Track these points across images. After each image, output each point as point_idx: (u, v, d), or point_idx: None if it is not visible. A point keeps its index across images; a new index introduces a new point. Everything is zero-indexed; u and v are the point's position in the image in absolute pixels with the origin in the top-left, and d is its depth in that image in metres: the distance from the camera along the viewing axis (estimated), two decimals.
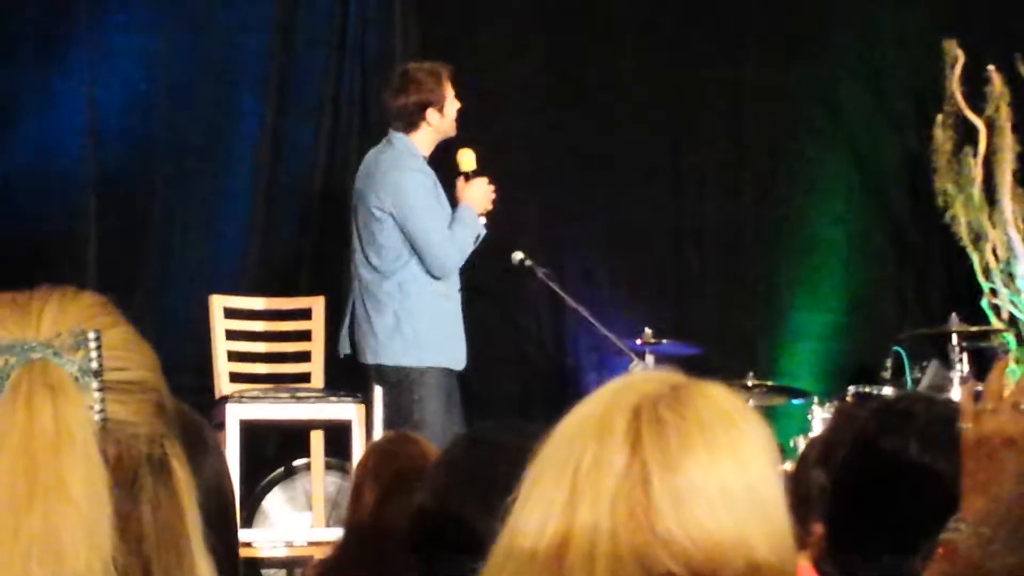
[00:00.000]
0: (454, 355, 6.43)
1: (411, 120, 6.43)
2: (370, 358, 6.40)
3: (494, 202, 6.51)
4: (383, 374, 6.38)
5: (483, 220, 6.49)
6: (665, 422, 1.45)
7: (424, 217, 6.33)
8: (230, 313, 6.92)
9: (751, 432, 1.48)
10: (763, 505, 1.46)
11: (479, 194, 6.46)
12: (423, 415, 6.22)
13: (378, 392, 6.81)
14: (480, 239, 6.51)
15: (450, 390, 6.40)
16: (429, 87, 6.43)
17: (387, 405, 6.38)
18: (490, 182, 6.50)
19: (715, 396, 1.49)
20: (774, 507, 1.47)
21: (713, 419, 1.47)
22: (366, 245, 6.43)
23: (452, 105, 6.46)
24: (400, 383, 6.32)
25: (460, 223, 6.40)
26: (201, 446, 2.20)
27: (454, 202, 6.51)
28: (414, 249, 6.34)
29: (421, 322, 6.33)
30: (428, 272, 6.36)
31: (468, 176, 6.49)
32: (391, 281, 6.37)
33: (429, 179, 6.40)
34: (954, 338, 7.00)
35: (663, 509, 1.43)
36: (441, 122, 6.44)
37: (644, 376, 1.52)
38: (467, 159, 6.50)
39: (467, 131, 6.62)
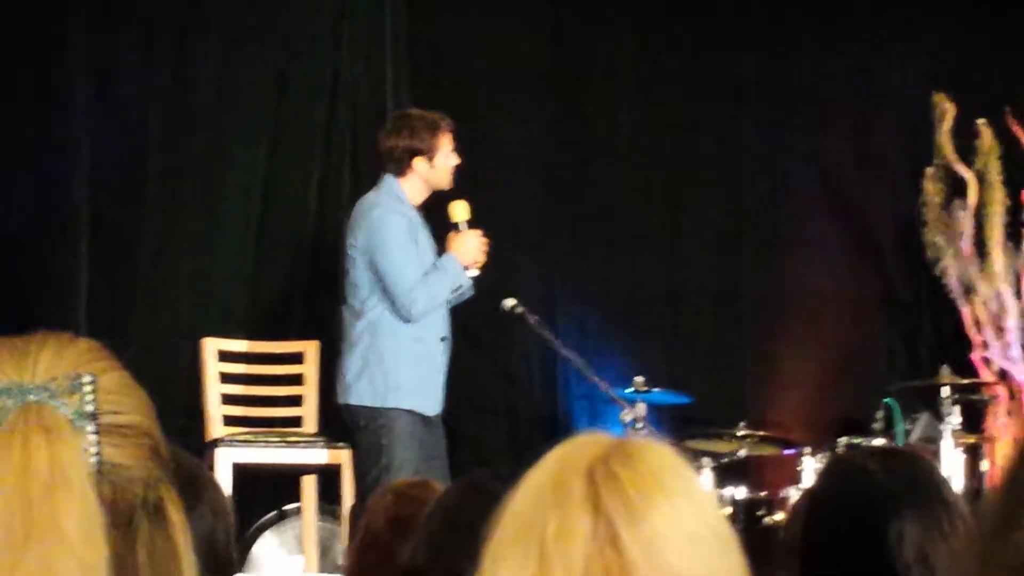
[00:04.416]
0: (423, 400, 6.21)
1: (399, 165, 6.29)
2: (339, 398, 6.27)
3: (488, 255, 6.35)
4: (352, 415, 6.23)
5: (474, 272, 6.32)
6: (620, 478, 1.48)
7: (394, 256, 6.17)
8: (223, 356, 6.93)
9: (695, 478, 1.54)
10: (722, 543, 1.50)
11: (467, 245, 6.27)
12: (391, 460, 6.05)
13: None
14: (463, 291, 6.35)
15: (425, 437, 6.20)
16: (421, 135, 6.27)
17: (359, 447, 6.27)
18: (484, 234, 6.35)
19: (656, 449, 1.53)
20: (731, 544, 1.51)
21: (662, 468, 1.51)
22: (345, 284, 6.33)
23: (445, 158, 6.29)
24: (368, 425, 6.16)
25: (439, 271, 6.23)
26: (196, 491, 2.20)
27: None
28: (383, 289, 6.22)
29: (389, 364, 6.17)
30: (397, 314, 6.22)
31: (459, 228, 6.31)
32: (363, 321, 6.23)
33: (406, 221, 6.23)
34: (945, 390, 6.99)
35: (636, 561, 1.45)
36: (430, 173, 6.28)
37: (584, 440, 1.54)
38: (459, 210, 6.30)
39: (463, 187, 6.48)
